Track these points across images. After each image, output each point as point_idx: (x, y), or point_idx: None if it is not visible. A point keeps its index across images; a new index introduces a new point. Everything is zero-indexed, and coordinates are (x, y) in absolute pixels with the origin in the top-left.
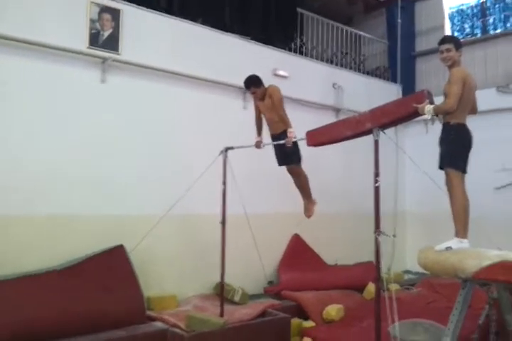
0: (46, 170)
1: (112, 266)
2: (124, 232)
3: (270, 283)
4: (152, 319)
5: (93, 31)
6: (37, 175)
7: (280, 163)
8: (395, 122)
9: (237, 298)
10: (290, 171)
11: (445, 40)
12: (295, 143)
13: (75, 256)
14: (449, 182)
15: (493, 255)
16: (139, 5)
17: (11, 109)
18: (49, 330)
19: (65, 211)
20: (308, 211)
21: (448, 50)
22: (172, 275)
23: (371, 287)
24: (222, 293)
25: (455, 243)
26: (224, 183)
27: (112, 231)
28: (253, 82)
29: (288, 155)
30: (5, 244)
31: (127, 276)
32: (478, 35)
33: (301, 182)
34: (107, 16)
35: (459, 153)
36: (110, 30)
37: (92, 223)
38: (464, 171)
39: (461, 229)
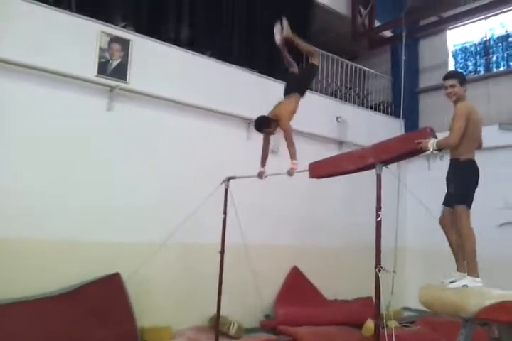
0: (45, 196)
1: (106, 295)
2: (121, 260)
3: (267, 316)
4: None
5: (102, 60)
6: (34, 201)
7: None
8: (397, 158)
9: (232, 332)
10: None
11: (449, 75)
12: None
13: (71, 283)
14: (459, 221)
15: (495, 294)
16: (149, 36)
17: (17, 134)
18: None
19: (63, 237)
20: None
21: (452, 86)
22: (168, 306)
23: (370, 323)
24: (217, 325)
25: (470, 281)
26: (224, 213)
27: (109, 259)
28: (263, 124)
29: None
30: (7, 268)
31: (122, 306)
32: (481, 73)
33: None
34: (116, 46)
35: (468, 190)
36: (119, 60)
37: (90, 250)
38: (469, 207)
39: (474, 268)
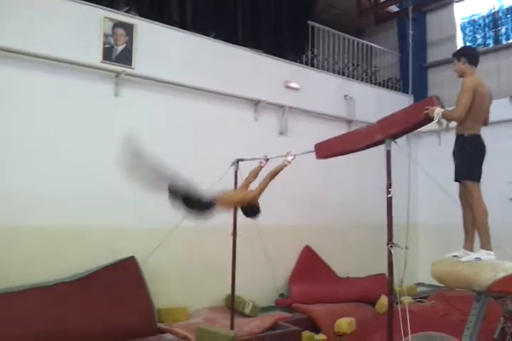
0: (59, 182)
1: (123, 278)
2: (136, 244)
3: (281, 295)
4: (162, 331)
5: (107, 46)
6: (49, 187)
7: None
8: (405, 131)
9: (247, 311)
10: None
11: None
12: None
13: (86, 268)
14: (469, 195)
15: (508, 267)
16: (153, 19)
17: (24, 122)
18: None
19: (76, 223)
20: None
21: (454, 64)
22: (183, 287)
23: (383, 300)
24: (232, 305)
25: (483, 254)
26: None
27: (123, 243)
28: None
29: None
30: (16, 255)
31: (138, 288)
32: (491, 46)
33: None
34: (120, 31)
35: (475, 165)
36: (124, 45)
37: (104, 235)
38: (478, 181)
39: (487, 241)
